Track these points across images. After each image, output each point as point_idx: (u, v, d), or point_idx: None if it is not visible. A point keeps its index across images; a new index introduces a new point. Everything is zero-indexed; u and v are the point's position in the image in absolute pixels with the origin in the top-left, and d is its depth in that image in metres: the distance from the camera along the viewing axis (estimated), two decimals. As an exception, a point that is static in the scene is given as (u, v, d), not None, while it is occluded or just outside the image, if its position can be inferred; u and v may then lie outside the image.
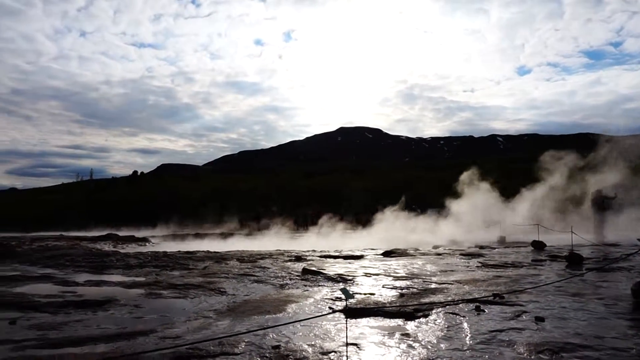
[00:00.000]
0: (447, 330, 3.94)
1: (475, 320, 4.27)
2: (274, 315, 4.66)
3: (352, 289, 6.12)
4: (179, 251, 12.64)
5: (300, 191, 47.51)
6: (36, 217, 44.50)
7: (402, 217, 21.13)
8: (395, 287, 6.10)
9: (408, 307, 4.71)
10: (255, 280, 7.11)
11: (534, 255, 10.11)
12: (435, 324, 4.17)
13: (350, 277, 7.10)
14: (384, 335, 3.86)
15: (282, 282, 6.84)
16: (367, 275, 7.39)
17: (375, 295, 5.56)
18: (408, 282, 6.48)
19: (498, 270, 7.71)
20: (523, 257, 9.60)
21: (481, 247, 12.68)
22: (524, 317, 4.31)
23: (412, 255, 10.60)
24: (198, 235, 24.65)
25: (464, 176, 20.43)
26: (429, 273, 7.47)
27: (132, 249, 15.76)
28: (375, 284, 6.54)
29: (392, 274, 7.36)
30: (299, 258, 10.26)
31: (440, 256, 10.35)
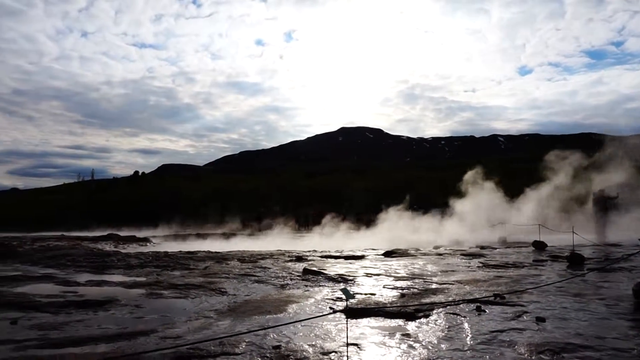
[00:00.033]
0: (448, 331, 3.94)
1: (476, 320, 4.26)
2: (274, 316, 4.66)
3: (353, 289, 6.12)
4: (180, 251, 12.65)
5: (301, 191, 47.51)
6: (37, 217, 44.57)
7: (405, 217, 21.06)
8: (396, 288, 6.10)
9: (409, 308, 4.71)
10: (256, 280, 7.11)
11: (535, 255, 10.10)
12: (436, 324, 4.17)
13: (351, 278, 7.10)
14: (384, 336, 3.86)
15: (282, 283, 6.85)
16: (368, 275, 7.39)
17: (376, 296, 5.56)
18: (409, 283, 6.48)
19: (499, 270, 7.70)
20: (524, 258, 9.58)
21: (482, 248, 12.67)
22: (525, 318, 4.30)
23: (413, 256, 10.59)
24: (199, 236, 24.66)
25: (468, 176, 20.38)
26: (429, 273, 7.47)
27: (133, 249, 15.77)
28: (376, 284, 6.54)
29: (392, 274, 7.35)
30: (299, 258, 10.26)
31: (441, 256, 10.34)
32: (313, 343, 3.65)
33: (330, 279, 7.06)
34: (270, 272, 7.98)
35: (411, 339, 3.73)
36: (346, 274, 7.47)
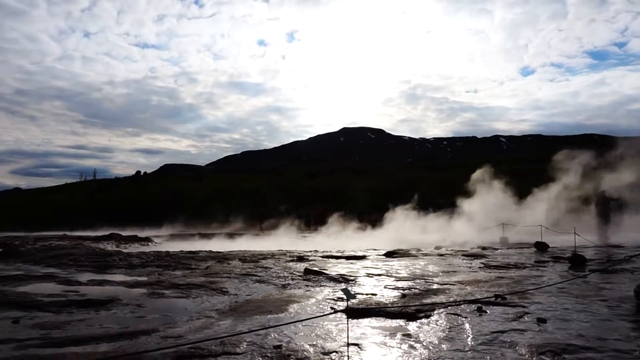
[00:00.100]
0: (449, 331, 3.94)
1: (477, 321, 4.26)
2: (275, 315, 4.67)
3: (354, 289, 6.12)
4: (182, 251, 12.68)
5: (303, 191, 47.50)
6: (40, 217, 44.68)
7: (407, 218, 21.03)
8: (397, 288, 6.10)
9: (410, 308, 4.71)
10: (257, 280, 7.12)
11: (536, 256, 10.08)
12: (437, 325, 4.17)
13: (352, 278, 7.10)
14: (385, 336, 3.86)
15: (284, 282, 6.85)
16: (369, 275, 7.39)
17: (377, 296, 5.56)
18: (410, 283, 6.48)
19: (500, 271, 7.69)
20: (526, 258, 9.57)
21: (484, 248, 12.65)
22: (526, 319, 4.30)
23: (414, 256, 10.58)
24: (200, 235, 24.71)
25: (476, 175, 20.33)
26: (431, 274, 7.46)
27: (134, 248, 15.81)
28: (377, 284, 6.54)
29: (394, 275, 7.35)
30: (301, 258, 10.26)
31: (443, 257, 10.33)
32: (314, 343, 3.66)
33: (332, 279, 7.06)
34: (271, 272, 7.99)
35: (412, 339, 3.73)
36: (347, 274, 7.47)
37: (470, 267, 8.38)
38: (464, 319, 4.34)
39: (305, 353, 3.40)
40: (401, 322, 4.33)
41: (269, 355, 3.38)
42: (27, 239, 20.52)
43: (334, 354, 3.39)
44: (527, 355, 3.27)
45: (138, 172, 73.21)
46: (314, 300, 5.45)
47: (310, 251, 12.64)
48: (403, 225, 19.70)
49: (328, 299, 5.52)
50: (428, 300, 5.15)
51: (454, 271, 7.76)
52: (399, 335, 3.86)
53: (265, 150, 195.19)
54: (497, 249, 12.40)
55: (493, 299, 5.10)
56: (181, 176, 78.26)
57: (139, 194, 52.39)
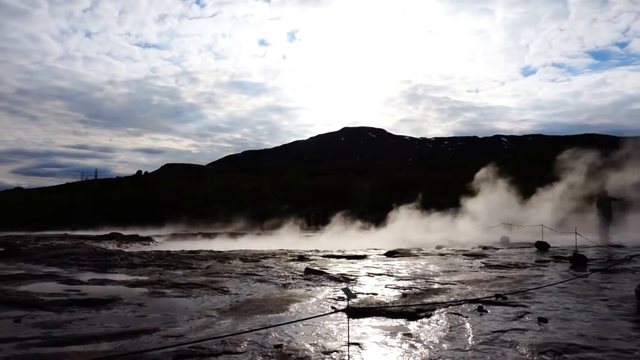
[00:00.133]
0: (450, 331, 3.94)
1: (477, 320, 4.26)
2: (276, 315, 4.67)
3: (355, 288, 6.12)
4: (183, 250, 12.69)
5: (304, 191, 47.49)
6: (41, 216, 44.72)
7: (409, 217, 20.99)
8: (397, 287, 6.10)
9: (410, 307, 4.71)
10: (258, 279, 7.13)
11: (537, 256, 10.08)
12: (438, 324, 4.17)
13: (353, 277, 7.10)
14: (386, 335, 3.86)
15: (284, 282, 6.86)
16: (369, 275, 7.39)
17: (377, 295, 5.57)
18: (411, 282, 6.48)
19: (501, 270, 7.68)
20: (527, 258, 9.56)
21: (485, 248, 12.65)
22: (527, 318, 4.30)
23: (415, 256, 10.58)
24: (202, 235, 24.72)
25: (480, 174, 20.31)
26: (431, 273, 7.46)
27: (135, 248, 15.83)
28: (377, 284, 6.54)
29: (394, 274, 7.35)
30: (302, 258, 10.27)
31: (444, 256, 10.33)
32: (314, 342, 3.66)
33: (332, 278, 7.07)
34: (272, 271, 8.00)
35: (413, 339, 3.73)
36: (348, 273, 7.47)
37: (471, 266, 8.38)
38: (464, 318, 4.34)
39: (305, 352, 3.40)
40: (402, 321, 4.34)
41: (269, 354, 3.39)
42: (29, 238, 20.56)
43: (335, 353, 3.40)
44: (527, 355, 3.27)
45: (139, 172, 73.28)
46: (314, 299, 5.45)
47: (311, 251, 12.64)
48: (406, 225, 19.68)
49: (329, 298, 5.52)
50: (429, 300, 5.15)
51: (455, 271, 7.76)
52: (399, 335, 3.86)
53: (266, 150, 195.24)
54: (498, 249, 12.39)
55: (494, 298, 5.10)
56: (182, 176, 78.29)
57: (140, 193, 52.44)
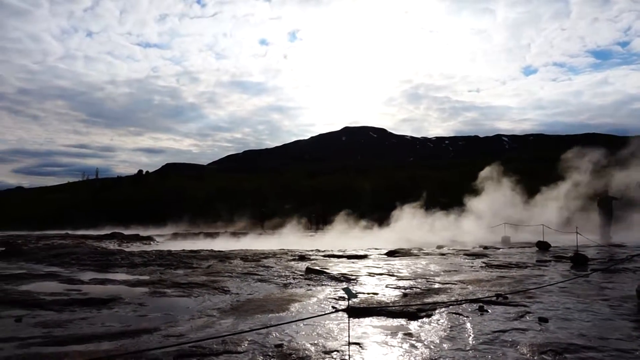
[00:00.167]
0: (450, 330, 3.94)
1: (478, 320, 4.26)
2: (277, 314, 4.68)
3: (356, 288, 6.12)
4: (183, 250, 12.70)
5: (305, 191, 47.45)
6: (42, 215, 44.74)
7: (417, 217, 20.88)
8: (398, 287, 6.10)
9: (411, 307, 4.71)
10: (259, 279, 7.13)
11: (538, 255, 10.07)
12: (438, 324, 4.17)
13: (353, 277, 7.10)
14: (386, 335, 3.87)
15: (285, 282, 6.86)
16: (370, 275, 7.39)
17: (378, 295, 5.57)
18: (411, 282, 6.48)
19: (502, 270, 7.68)
20: (527, 258, 9.56)
21: (485, 248, 12.64)
22: (528, 318, 4.30)
23: (416, 255, 10.58)
24: (203, 235, 24.69)
25: (484, 172, 20.24)
26: (432, 273, 7.46)
27: (136, 247, 15.83)
28: (378, 283, 6.54)
29: (395, 274, 7.35)
30: (302, 257, 10.27)
31: (444, 256, 10.32)
32: (315, 342, 3.66)
33: (333, 278, 7.07)
34: (273, 271, 8.00)
35: (413, 339, 3.73)
36: (349, 273, 7.47)
37: (472, 266, 8.38)
38: (465, 318, 4.34)
39: (306, 352, 3.41)
40: (402, 321, 4.34)
41: (270, 354, 3.39)
42: (30, 237, 20.59)
43: (335, 353, 3.40)
44: (528, 355, 3.27)
45: (140, 172, 73.24)
46: (315, 299, 5.45)
47: (312, 250, 12.64)
48: (409, 225, 19.58)
49: (329, 298, 5.53)
50: (429, 300, 5.15)
51: (456, 270, 7.75)
52: (400, 335, 3.86)
53: (266, 149, 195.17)
54: (499, 249, 12.38)
55: (494, 298, 5.10)
56: (183, 175, 78.26)
57: (141, 193, 52.43)
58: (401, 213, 21.56)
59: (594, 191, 15.83)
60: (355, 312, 4.55)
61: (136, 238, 20.01)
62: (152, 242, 19.00)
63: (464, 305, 4.86)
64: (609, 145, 18.26)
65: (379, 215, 24.35)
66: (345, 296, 3.05)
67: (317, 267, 8.00)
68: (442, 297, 5.28)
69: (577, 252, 8.92)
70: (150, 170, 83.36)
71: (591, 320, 4.16)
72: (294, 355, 3.34)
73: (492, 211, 17.88)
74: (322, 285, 6.54)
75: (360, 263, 9.20)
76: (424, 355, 3.32)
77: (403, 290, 5.82)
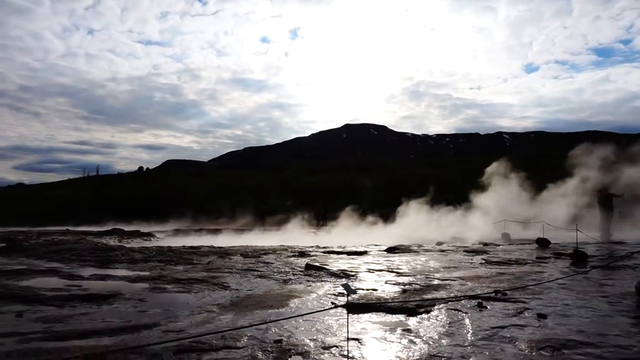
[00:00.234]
0: (449, 326, 3.95)
1: (477, 316, 4.27)
2: (276, 310, 4.69)
3: (355, 284, 6.14)
4: (184, 246, 12.71)
5: (306, 188, 47.52)
6: (43, 212, 44.84)
7: (420, 213, 20.82)
8: (397, 283, 6.11)
9: (410, 303, 4.72)
10: (259, 275, 7.15)
11: (538, 252, 10.08)
12: (437, 320, 4.18)
13: (353, 273, 7.12)
14: (385, 331, 3.88)
15: (285, 278, 6.87)
16: (370, 271, 7.41)
17: (377, 291, 5.58)
18: (411, 278, 6.49)
19: (502, 267, 7.69)
20: (527, 255, 9.57)
21: (485, 244, 12.65)
22: (527, 314, 4.31)
23: (415, 252, 10.59)
24: (205, 231, 24.71)
25: (491, 168, 20.19)
26: (432, 269, 7.48)
27: (137, 243, 15.86)
28: (378, 279, 6.56)
29: (395, 270, 7.37)
30: (302, 254, 10.29)
31: (444, 253, 10.34)
32: (314, 337, 3.68)
33: (333, 274, 7.08)
34: (272, 267, 8.02)
35: (412, 334, 3.75)
36: (348, 269, 7.49)
37: (471, 263, 8.39)
38: (464, 314, 4.36)
39: (305, 347, 3.42)
40: (401, 317, 4.35)
41: (269, 349, 3.40)
42: (31, 233, 20.62)
43: (334, 348, 3.41)
44: (526, 351, 3.28)
45: (141, 168, 73.36)
46: (314, 295, 5.47)
47: (312, 247, 12.65)
48: (416, 221, 19.54)
49: (329, 294, 5.54)
50: (428, 296, 5.16)
51: (455, 267, 7.76)
52: (399, 330, 3.87)
53: (267, 146, 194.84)
54: (499, 245, 12.39)
55: (493, 294, 5.11)
56: (184, 172, 78.34)
57: (141, 189, 52.51)
58: (407, 209, 21.51)
59: (595, 188, 15.79)
60: (354, 308, 4.56)
61: (136, 234, 20.03)
62: (152, 238, 19.03)
63: (463, 302, 4.87)
64: (610, 143, 18.20)
65: (383, 211, 24.37)
66: (345, 292, 3.06)
67: (316, 264, 8.01)
68: (441, 294, 5.29)
69: (576, 249, 8.93)
70: (151, 167, 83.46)
71: (590, 317, 4.17)
72: (293, 351, 3.35)
73: (497, 207, 17.83)
74: (322, 281, 6.55)
75: (360, 259, 9.21)
76: (423, 351, 3.33)
77: (402, 287, 5.83)
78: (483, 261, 8.50)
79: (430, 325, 4.03)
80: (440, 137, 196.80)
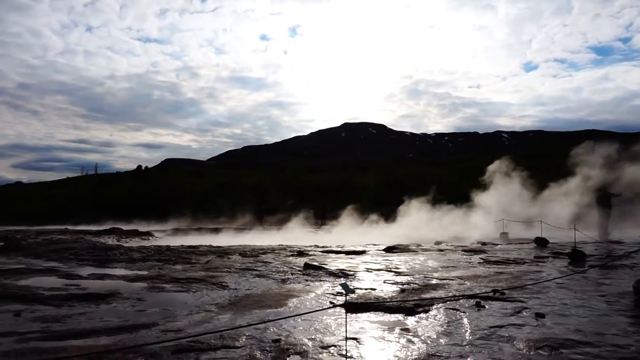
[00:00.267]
0: (447, 326, 3.96)
1: (475, 316, 4.28)
2: (275, 310, 4.69)
3: (353, 284, 6.15)
4: (182, 245, 12.71)
5: (305, 186, 47.49)
6: (41, 210, 44.76)
7: (421, 213, 20.80)
8: (396, 283, 6.12)
9: (408, 303, 4.73)
10: (257, 274, 7.15)
11: (536, 252, 10.09)
12: (436, 320, 4.19)
13: (351, 273, 7.12)
14: (383, 330, 3.88)
15: (283, 277, 6.88)
16: (368, 270, 7.41)
17: (376, 291, 5.59)
18: (409, 278, 6.50)
19: (500, 266, 7.70)
20: (525, 254, 9.58)
21: (484, 244, 12.67)
22: (525, 313, 4.31)
23: (414, 251, 10.60)
24: (205, 230, 24.70)
25: (493, 167, 20.17)
26: (430, 269, 7.48)
27: (135, 243, 15.85)
28: (376, 279, 6.56)
29: (393, 270, 7.37)
30: (301, 253, 10.29)
31: (442, 252, 10.35)
32: (313, 337, 3.68)
33: (331, 273, 7.09)
34: (271, 266, 8.02)
35: (410, 334, 3.75)
36: (347, 268, 7.49)
37: (470, 262, 8.40)
38: (462, 313, 4.36)
39: (304, 347, 3.42)
40: (400, 316, 4.36)
41: (267, 349, 3.40)
42: (29, 232, 20.60)
43: (333, 347, 3.42)
44: (524, 350, 3.29)
45: (139, 167, 73.25)
46: (313, 294, 5.47)
47: (311, 246, 12.65)
48: (415, 220, 19.53)
49: (327, 293, 5.54)
50: (427, 295, 5.17)
51: (453, 266, 7.77)
52: (397, 330, 3.88)
53: (266, 145, 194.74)
54: (497, 245, 12.41)
55: (492, 294, 5.11)
56: (183, 171, 78.24)
57: (140, 188, 52.40)
58: (407, 208, 21.50)
59: (594, 187, 15.81)
60: (353, 307, 4.56)
61: (135, 233, 20.02)
62: (150, 238, 19.02)
63: (461, 301, 4.88)
64: (609, 142, 18.19)
65: (383, 210, 24.37)
66: (343, 292, 3.06)
67: (315, 263, 8.01)
68: (439, 293, 5.30)
69: (574, 249, 8.94)
70: (150, 166, 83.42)
71: (588, 316, 4.18)
72: (291, 350, 3.35)
73: (500, 206, 17.81)
74: (320, 280, 6.56)
75: (358, 259, 9.22)
76: (421, 350, 3.33)
77: (401, 286, 5.84)
78: (481, 260, 8.51)
79: (428, 324, 4.04)
80: (439, 136, 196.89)
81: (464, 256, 9.41)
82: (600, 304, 4.67)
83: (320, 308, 4.63)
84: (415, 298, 5.00)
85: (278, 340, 3.57)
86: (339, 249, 11.28)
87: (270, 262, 8.55)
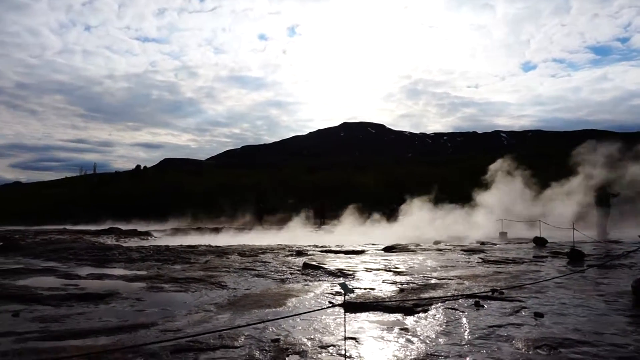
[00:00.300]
0: (446, 325, 3.96)
1: (474, 315, 4.28)
2: (274, 309, 4.69)
3: (352, 283, 6.14)
4: (181, 245, 12.70)
5: (304, 186, 47.48)
6: (40, 210, 44.70)
7: (425, 211, 20.77)
8: (395, 282, 6.12)
9: (407, 302, 4.73)
10: (256, 274, 7.15)
11: (535, 251, 10.10)
12: (434, 319, 4.19)
13: (350, 272, 7.13)
14: (382, 330, 3.89)
15: (282, 277, 6.88)
16: (367, 270, 7.41)
17: (375, 290, 5.59)
18: (408, 278, 6.50)
19: (499, 266, 7.71)
20: (524, 254, 9.59)
21: (482, 243, 12.68)
22: (523, 313, 4.32)
23: (413, 251, 10.61)
24: (205, 230, 24.68)
25: (494, 166, 20.16)
26: (429, 268, 7.49)
27: (134, 242, 15.83)
28: (375, 279, 6.56)
29: (392, 269, 7.38)
30: (300, 253, 10.29)
31: (441, 252, 10.36)
32: (311, 336, 3.68)
33: (330, 273, 7.09)
34: (270, 266, 8.02)
35: (409, 333, 3.75)
36: (346, 268, 7.49)
37: (469, 262, 8.40)
38: (461, 313, 4.37)
39: (302, 347, 3.42)
40: (399, 316, 4.36)
41: (266, 348, 3.40)
42: (27, 232, 20.56)
43: (332, 347, 3.42)
44: (523, 349, 3.29)
45: (138, 166, 73.15)
46: (312, 294, 5.47)
47: (310, 246, 12.65)
48: (417, 219, 19.50)
49: (326, 293, 5.54)
50: (426, 295, 5.17)
51: (452, 266, 7.78)
52: (396, 329, 3.88)
53: (265, 144, 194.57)
54: (496, 244, 12.42)
55: (490, 293, 5.12)
56: (181, 170, 78.16)
57: (139, 188, 52.36)
58: (409, 207, 21.49)
59: (593, 186, 15.82)
60: (351, 307, 4.56)
61: (134, 233, 20.00)
62: (149, 238, 19.00)
63: (460, 301, 4.88)
64: (612, 141, 18.20)
65: (382, 209, 24.38)
66: (342, 291, 3.06)
67: (314, 263, 8.01)
68: (438, 293, 5.30)
69: (573, 248, 8.95)
70: (149, 166, 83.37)
71: (586, 316, 4.19)
72: (290, 350, 3.35)
73: (502, 206, 17.80)
74: (319, 280, 6.56)
75: (357, 258, 9.22)
76: (420, 350, 3.33)
77: (399, 286, 5.84)
78: (480, 260, 8.52)
79: (427, 324, 4.04)
80: (438, 136, 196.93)
81: (463, 256, 9.41)
82: (598, 303, 4.67)
83: (319, 308, 4.63)
84: (414, 298, 5.00)
85: (277, 340, 3.57)
86: (338, 249, 11.28)
87: (269, 262, 8.55)
